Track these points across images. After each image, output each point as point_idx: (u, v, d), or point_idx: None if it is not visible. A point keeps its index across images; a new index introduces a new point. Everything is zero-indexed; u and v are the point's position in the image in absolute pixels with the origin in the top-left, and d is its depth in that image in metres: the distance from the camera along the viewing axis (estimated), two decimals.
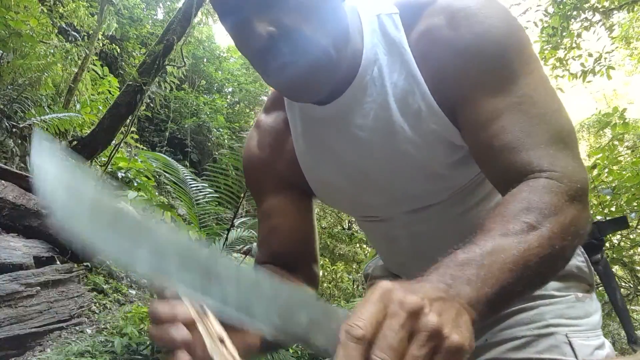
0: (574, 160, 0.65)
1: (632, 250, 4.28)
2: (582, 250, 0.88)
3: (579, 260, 0.87)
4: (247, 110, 13.42)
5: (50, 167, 0.47)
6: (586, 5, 6.73)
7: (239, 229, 3.68)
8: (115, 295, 4.62)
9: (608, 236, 4.03)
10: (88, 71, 7.17)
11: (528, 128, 0.65)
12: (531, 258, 0.54)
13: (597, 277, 0.92)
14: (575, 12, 6.73)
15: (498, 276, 0.51)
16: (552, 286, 0.83)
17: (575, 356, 0.76)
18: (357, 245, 7.21)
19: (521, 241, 0.55)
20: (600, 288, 1.12)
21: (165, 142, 9.95)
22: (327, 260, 7.08)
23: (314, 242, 0.95)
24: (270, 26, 0.65)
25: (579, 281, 0.86)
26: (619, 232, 4.21)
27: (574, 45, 6.88)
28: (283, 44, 0.66)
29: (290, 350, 3.62)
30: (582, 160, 0.67)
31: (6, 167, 4.07)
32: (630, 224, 4.11)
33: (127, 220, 0.46)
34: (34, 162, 0.47)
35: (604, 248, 0.92)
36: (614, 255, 3.99)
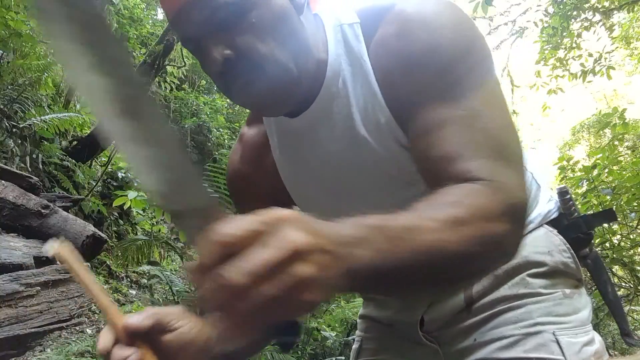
0: (517, 177, 0.62)
1: (632, 250, 4.28)
2: (568, 245, 0.88)
3: (564, 256, 0.86)
4: (247, 111, 13.40)
5: None
6: (586, 5, 6.73)
7: None
8: (115, 295, 4.62)
9: (608, 235, 4.03)
10: None
11: (470, 141, 0.63)
12: (444, 252, 0.51)
13: (588, 272, 0.93)
14: (575, 12, 6.74)
15: (404, 254, 0.49)
16: (538, 284, 0.83)
17: (563, 354, 0.76)
18: None
19: (442, 230, 0.52)
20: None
21: None
22: None
23: None
24: (226, 49, 0.66)
25: (566, 277, 0.86)
26: (619, 232, 4.21)
27: (574, 45, 6.89)
28: (240, 66, 0.66)
29: (290, 350, 3.62)
30: (525, 181, 0.65)
31: (6, 167, 4.07)
32: (630, 224, 4.11)
33: None
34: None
35: (592, 242, 0.92)
36: (614, 255, 3.99)
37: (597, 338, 0.82)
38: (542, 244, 0.87)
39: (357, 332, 1.06)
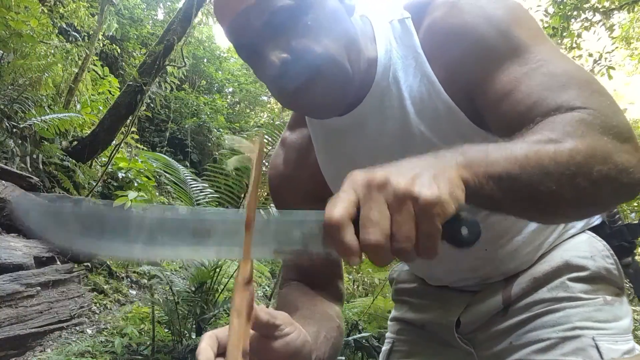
0: (612, 105, 0.59)
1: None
2: (612, 252, 0.86)
3: (607, 262, 0.85)
4: (248, 111, 13.41)
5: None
6: (586, 6, 6.73)
7: None
8: (115, 295, 4.62)
9: None
10: (88, 71, 7.17)
11: (553, 84, 0.62)
12: (545, 160, 0.51)
13: (629, 281, 0.90)
14: (575, 12, 6.73)
15: (500, 161, 0.50)
16: (578, 288, 0.81)
17: None
18: None
19: (537, 144, 0.52)
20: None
21: (166, 142, 9.95)
22: None
23: (339, 260, 0.94)
24: (282, 53, 0.67)
25: (608, 284, 0.83)
26: None
27: (574, 45, 6.88)
28: (297, 67, 0.67)
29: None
30: (619, 108, 0.61)
31: (6, 167, 4.07)
32: None
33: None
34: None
35: (635, 251, 0.90)
36: None
37: (638, 348, 0.80)
38: (585, 248, 0.85)
39: (388, 334, 1.07)
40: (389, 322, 1.09)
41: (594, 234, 0.88)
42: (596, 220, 0.89)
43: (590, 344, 0.75)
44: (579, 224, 0.88)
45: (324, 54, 0.68)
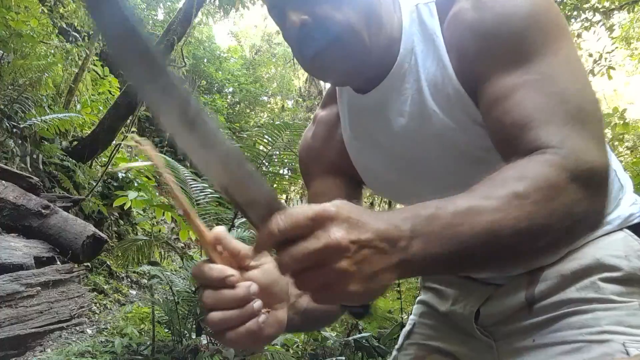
0: (590, 141, 0.61)
1: None
2: None
3: None
4: (248, 111, 13.42)
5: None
6: (586, 6, 6.73)
7: (239, 229, 3.69)
8: (115, 295, 4.62)
9: None
10: (88, 71, 7.17)
11: (543, 106, 0.63)
12: (505, 230, 0.52)
13: None
14: (575, 12, 6.74)
15: (461, 240, 0.51)
16: (610, 290, 0.77)
17: None
18: None
19: (500, 208, 0.53)
20: None
21: (166, 142, 9.95)
22: None
23: None
24: (303, 15, 0.71)
25: None
26: None
27: None
28: (316, 31, 0.72)
29: (291, 351, 3.62)
30: (603, 143, 0.62)
31: (6, 167, 4.07)
32: None
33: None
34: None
35: None
36: None
37: None
38: (619, 247, 0.80)
39: (411, 317, 1.07)
40: (415, 305, 1.09)
41: (632, 233, 0.82)
42: (636, 217, 0.84)
43: (620, 349, 0.70)
44: (615, 221, 0.83)
45: (343, 21, 0.71)
